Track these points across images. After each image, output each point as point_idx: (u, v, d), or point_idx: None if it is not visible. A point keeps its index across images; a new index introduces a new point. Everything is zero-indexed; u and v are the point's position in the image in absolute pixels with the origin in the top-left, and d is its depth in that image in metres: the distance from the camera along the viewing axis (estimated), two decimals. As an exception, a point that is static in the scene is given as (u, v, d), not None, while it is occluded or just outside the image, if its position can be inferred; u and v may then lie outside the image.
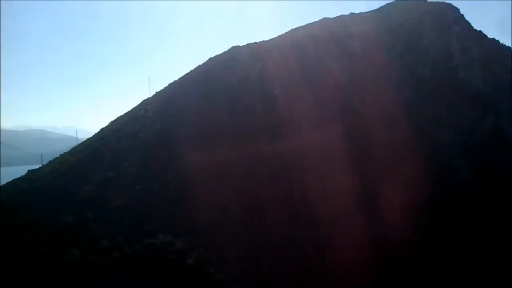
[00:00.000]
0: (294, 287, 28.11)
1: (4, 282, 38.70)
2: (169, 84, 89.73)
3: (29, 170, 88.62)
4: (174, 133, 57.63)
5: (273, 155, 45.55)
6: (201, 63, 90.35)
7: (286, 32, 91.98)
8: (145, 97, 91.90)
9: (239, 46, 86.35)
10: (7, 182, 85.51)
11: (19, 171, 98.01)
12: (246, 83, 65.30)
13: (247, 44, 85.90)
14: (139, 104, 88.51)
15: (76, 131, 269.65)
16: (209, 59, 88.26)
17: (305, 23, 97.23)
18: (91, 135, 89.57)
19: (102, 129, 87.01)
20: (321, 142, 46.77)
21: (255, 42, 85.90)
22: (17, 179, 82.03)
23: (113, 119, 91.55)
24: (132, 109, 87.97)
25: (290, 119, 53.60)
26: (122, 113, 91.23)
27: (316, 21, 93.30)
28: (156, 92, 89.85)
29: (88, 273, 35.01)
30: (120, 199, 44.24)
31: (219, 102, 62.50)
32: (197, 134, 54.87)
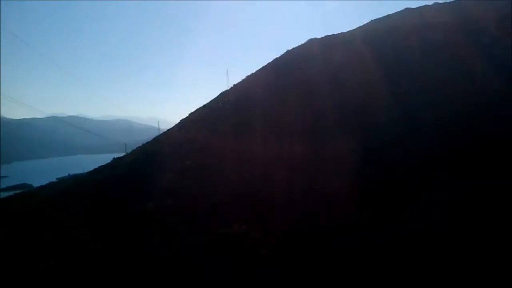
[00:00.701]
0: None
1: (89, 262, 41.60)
2: (246, 77, 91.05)
3: (114, 158, 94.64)
4: (251, 125, 58.25)
5: (349, 148, 44.60)
6: (278, 55, 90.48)
7: (366, 24, 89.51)
8: (223, 89, 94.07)
9: (316, 38, 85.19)
10: (94, 169, 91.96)
11: (106, 158, 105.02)
12: (323, 76, 64.32)
13: (325, 36, 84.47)
14: (217, 96, 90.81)
15: (158, 121, 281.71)
16: (286, 51, 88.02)
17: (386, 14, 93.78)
18: (172, 126, 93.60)
19: (182, 120, 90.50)
20: (401, 135, 44.98)
21: (333, 34, 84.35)
22: (102, 166, 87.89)
23: (192, 110, 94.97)
24: (210, 101, 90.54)
25: (367, 112, 52.16)
26: (201, 105, 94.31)
27: (397, 12, 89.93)
28: (234, 85, 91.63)
29: (167, 257, 36.48)
30: (197, 188, 45.60)
31: (296, 95, 62.18)
32: (273, 127, 55.06)
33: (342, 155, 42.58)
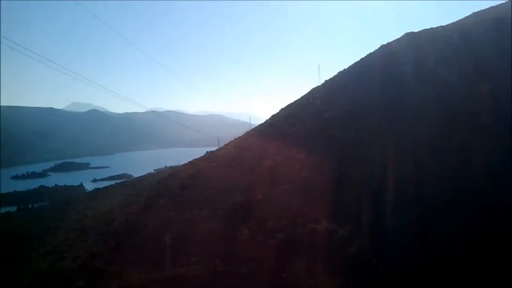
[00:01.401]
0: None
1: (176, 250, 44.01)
2: (338, 72, 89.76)
3: (207, 152, 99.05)
4: (342, 122, 57.48)
5: (447, 147, 42.32)
6: (372, 50, 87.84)
7: (467, 16, 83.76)
8: (314, 85, 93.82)
9: (413, 32, 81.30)
10: (188, 162, 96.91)
11: (200, 152, 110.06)
12: (420, 71, 61.39)
13: (423, 29, 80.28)
14: (308, 92, 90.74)
15: (250, 117, 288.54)
16: (381, 46, 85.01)
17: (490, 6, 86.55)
18: (263, 121, 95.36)
19: (272, 116, 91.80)
20: (505, 136, 41.58)
21: (431, 28, 79.90)
22: (196, 159, 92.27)
23: (283, 106, 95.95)
24: (301, 97, 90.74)
25: (468, 111, 48.77)
26: (292, 101, 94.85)
27: (503, 3, 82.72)
28: (325, 80, 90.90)
29: (255, 249, 37.53)
30: (287, 183, 46.16)
31: (391, 91, 60.17)
32: (366, 123, 53.80)
33: (442, 152, 40.69)
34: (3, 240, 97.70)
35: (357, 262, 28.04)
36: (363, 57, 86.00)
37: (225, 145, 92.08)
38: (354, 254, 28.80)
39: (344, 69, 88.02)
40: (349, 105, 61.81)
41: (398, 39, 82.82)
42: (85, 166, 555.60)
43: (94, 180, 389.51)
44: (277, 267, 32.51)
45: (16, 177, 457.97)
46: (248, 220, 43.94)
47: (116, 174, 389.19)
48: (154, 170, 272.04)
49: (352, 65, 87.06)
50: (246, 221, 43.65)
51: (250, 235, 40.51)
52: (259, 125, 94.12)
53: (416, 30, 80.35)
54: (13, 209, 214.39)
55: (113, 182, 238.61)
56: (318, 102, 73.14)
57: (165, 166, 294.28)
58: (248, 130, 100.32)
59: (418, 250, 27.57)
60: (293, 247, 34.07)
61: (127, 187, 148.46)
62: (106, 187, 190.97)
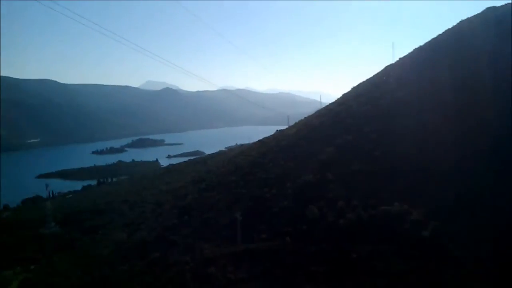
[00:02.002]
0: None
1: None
2: (413, 50, 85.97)
3: (277, 130, 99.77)
4: (417, 102, 55.14)
5: None
6: (450, 26, 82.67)
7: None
8: (388, 63, 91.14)
9: (494, 6, 74.76)
10: (258, 140, 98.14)
11: (270, 130, 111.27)
12: (502, 47, 56.78)
13: (505, 4, 73.13)
14: (382, 70, 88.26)
15: (320, 95, 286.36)
16: (460, 21, 79.80)
17: None
18: (334, 100, 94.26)
19: (344, 94, 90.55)
20: None
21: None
22: (266, 137, 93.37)
23: (355, 85, 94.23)
24: (374, 75, 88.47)
25: None
26: (364, 79, 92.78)
27: None
28: (400, 58, 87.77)
29: (325, 229, 37.79)
30: (358, 164, 45.66)
31: (470, 67, 56.61)
32: (442, 104, 51.19)
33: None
34: (84, 212, 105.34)
35: (431, 246, 27.45)
36: (441, 33, 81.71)
37: (295, 123, 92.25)
38: (428, 237, 28.18)
39: (420, 46, 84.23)
40: (424, 83, 59.27)
41: (478, 14, 77.56)
42: (160, 142, 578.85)
43: (169, 156, 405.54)
44: (347, 247, 32.60)
45: (96, 152, 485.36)
46: (318, 200, 44.20)
47: (188, 151, 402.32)
48: (225, 147, 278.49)
49: (429, 41, 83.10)
50: (315, 200, 43.93)
51: (320, 214, 40.81)
52: (330, 103, 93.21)
53: (497, 5, 74.77)
54: (93, 182, 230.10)
55: (186, 159, 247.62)
56: (391, 81, 70.84)
57: (236, 144, 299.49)
58: (318, 108, 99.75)
59: (497, 236, 26.45)
60: (364, 228, 33.88)
61: (199, 164, 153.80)
62: (180, 163, 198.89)
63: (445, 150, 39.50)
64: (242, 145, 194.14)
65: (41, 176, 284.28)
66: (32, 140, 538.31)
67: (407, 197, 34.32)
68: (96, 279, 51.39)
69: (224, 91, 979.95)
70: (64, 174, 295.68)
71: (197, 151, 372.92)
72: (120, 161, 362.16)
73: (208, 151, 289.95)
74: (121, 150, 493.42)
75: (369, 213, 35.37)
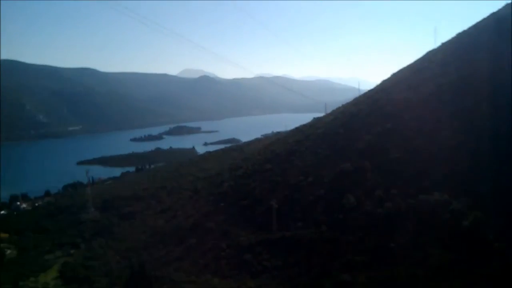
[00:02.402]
0: None
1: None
2: (457, 34, 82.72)
3: (314, 118, 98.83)
4: (460, 88, 53.03)
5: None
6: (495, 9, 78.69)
7: None
8: (430, 49, 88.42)
9: None
10: (295, 127, 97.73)
11: (307, 117, 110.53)
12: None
13: None
14: (423, 56, 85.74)
15: (358, 82, 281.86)
16: (506, 5, 75.68)
17: None
18: (373, 87, 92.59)
19: (383, 81, 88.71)
20: None
21: None
22: (303, 125, 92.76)
23: (395, 71, 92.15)
24: (415, 61, 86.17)
25: None
26: (405, 65, 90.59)
27: None
28: (442, 43, 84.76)
29: (363, 218, 37.46)
30: (397, 152, 44.76)
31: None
32: (486, 90, 48.84)
33: None
34: (123, 199, 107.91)
35: (471, 237, 26.67)
36: (486, 16, 78.13)
37: (333, 111, 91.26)
38: (468, 228, 27.38)
39: (464, 30, 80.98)
40: (467, 69, 57.00)
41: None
42: (197, 130, 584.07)
43: (205, 144, 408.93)
44: (384, 237, 32.16)
45: (134, 140, 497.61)
46: (355, 188, 43.71)
47: (225, 138, 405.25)
48: (261, 135, 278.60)
49: (474, 25, 79.74)
50: (353, 189, 43.47)
51: (357, 203, 40.37)
52: (368, 90, 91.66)
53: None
54: (131, 169, 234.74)
55: (222, 146, 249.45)
56: (433, 66, 68.66)
57: (272, 131, 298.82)
58: (357, 95, 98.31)
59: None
60: (402, 217, 33.31)
61: (236, 151, 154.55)
62: (216, 151, 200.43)
63: (490, 139, 38.09)
64: (278, 132, 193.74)
65: (81, 163, 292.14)
66: (73, 128, 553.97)
67: (447, 186, 33.40)
68: (134, 264, 52.80)
69: (261, 78, 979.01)
70: (104, 161, 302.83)
71: (233, 138, 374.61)
72: (158, 148, 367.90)
73: (244, 138, 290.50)
74: (159, 137, 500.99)
75: (408, 202, 34.72)
